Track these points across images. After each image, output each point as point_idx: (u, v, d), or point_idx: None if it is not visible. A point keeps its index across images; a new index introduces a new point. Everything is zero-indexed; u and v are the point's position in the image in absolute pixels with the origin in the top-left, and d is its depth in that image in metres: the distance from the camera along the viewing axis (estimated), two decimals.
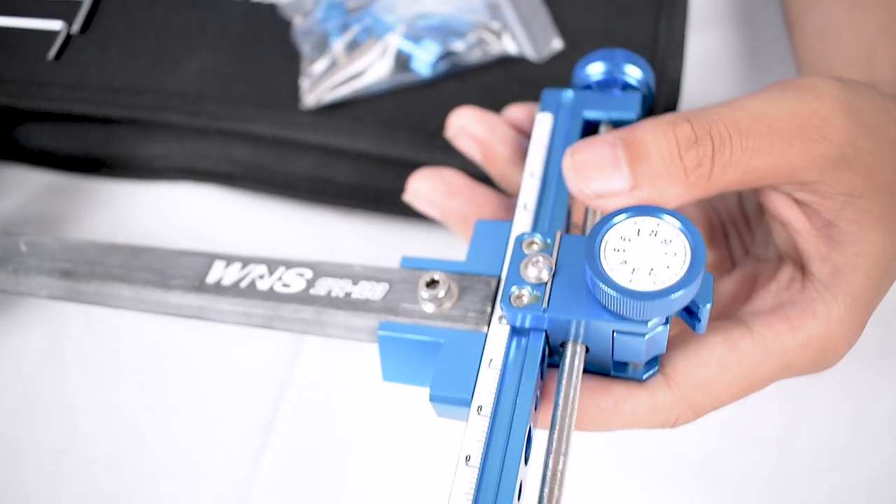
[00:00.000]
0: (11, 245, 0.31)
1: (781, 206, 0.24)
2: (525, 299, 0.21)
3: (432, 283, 0.22)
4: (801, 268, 0.24)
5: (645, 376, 0.22)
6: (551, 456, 0.19)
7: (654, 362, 0.23)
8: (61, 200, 0.39)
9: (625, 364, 0.23)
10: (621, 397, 0.22)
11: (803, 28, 0.35)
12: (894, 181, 0.23)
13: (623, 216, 0.20)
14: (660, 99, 0.34)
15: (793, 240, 0.24)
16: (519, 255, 0.22)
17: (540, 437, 0.21)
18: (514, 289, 0.21)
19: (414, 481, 0.30)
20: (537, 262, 0.21)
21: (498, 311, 0.22)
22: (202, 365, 0.32)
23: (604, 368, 0.23)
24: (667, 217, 0.20)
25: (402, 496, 0.30)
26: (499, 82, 0.35)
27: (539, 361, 0.21)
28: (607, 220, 0.20)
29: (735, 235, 0.29)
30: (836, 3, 0.33)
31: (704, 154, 0.22)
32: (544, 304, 0.21)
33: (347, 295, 0.24)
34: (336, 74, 0.35)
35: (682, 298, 0.19)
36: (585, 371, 0.23)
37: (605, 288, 0.19)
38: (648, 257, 0.19)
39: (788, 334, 0.23)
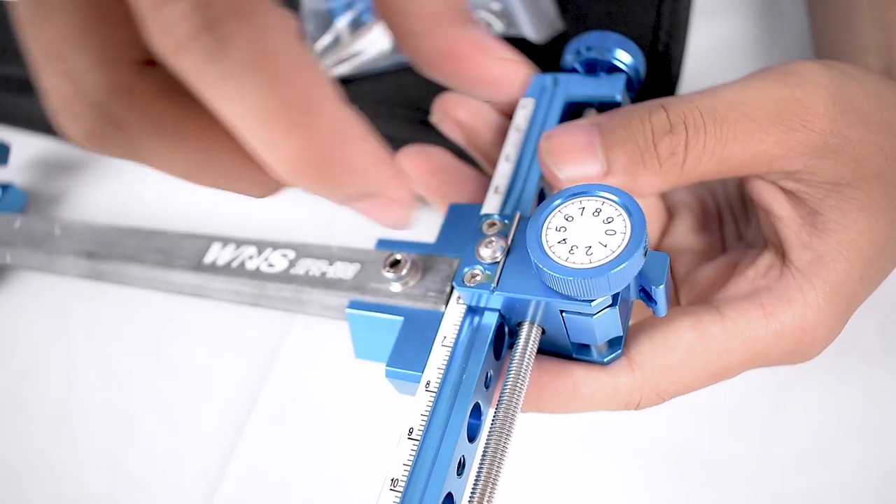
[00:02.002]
0: (48, 228, 0.34)
1: (765, 194, 0.23)
2: (478, 278, 0.21)
3: (395, 264, 0.23)
4: (783, 256, 0.23)
5: (607, 359, 0.22)
6: (493, 433, 0.20)
7: (618, 345, 0.22)
8: (82, 171, 0.42)
9: (587, 347, 0.22)
10: (581, 380, 0.22)
11: (824, 12, 0.33)
12: (886, 169, 0.22)
13: (567, 196, 0.20)
14: (659, 84, 0.33)
15: (775, 227, 0.24)
16: (478, 236, 0.22)
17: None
18: (467, 269, 0.21)
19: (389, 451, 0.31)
20: (491, 242, 0.21)
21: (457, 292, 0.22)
22: (198, 337, 0.35)
23: (566, 351, 0.22)
24: (610, 196, 0.19)
25: (378, 466, 0.31)
26: None
27: (490, 340, 0.21)
28: (552, 200, 0.20)
29: (731, 222, 0.29)
30: None
31: (678, 143, 0.21)
32: (494, 283, 0.21)
33: (323, 274, 0.25)
34: (338, 52, 0.36)
35: (618, 276, 0.18)
36: (549, 354, 0.23)
37: (540, 265, 0.19)
38: (588, 236, 0.19)
39: (761, 321, 0.22)
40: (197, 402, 0.33)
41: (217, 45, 0.13)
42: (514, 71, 0.21)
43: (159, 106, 0.15)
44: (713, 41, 0.39)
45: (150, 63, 0.15)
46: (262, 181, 0.17)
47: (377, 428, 0.31)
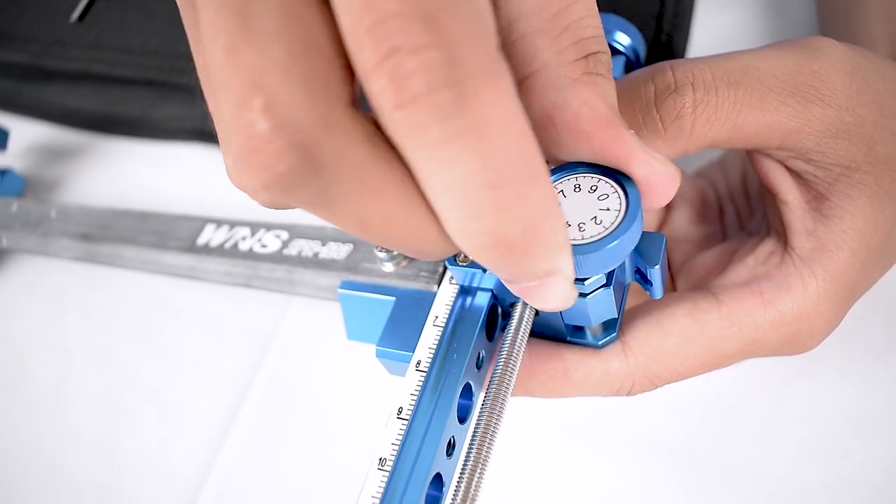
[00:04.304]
0: (44, 211, 0.34)
1: (774, 175, 0.23)
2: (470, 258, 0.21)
3: None
4: (784, 243, 0.23)
5: (602, 342, 0.22)
6: (483, 415, 0.19)
7: (613, 328, 0.22)
8: (80, 157, 0.42)
9: (581, 329, 0.22)
10: (572, 364, 0.22)
11: (832, 4, 0.33)
12: None
13: (561, 172, 0.19)
14: None
15: (780, 212, 0.23)
16: None
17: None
18: None
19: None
20: None
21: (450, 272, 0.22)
22: (193, 321, 0.34)
23: (560, 333, 0.22)
24: (602, 173, 0.19)
25: (373, 451, 0.31)
26: None
27: (481, 320, 0.21)
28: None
29: (732, 213, 0.28)
30: None
31: (683, 105, 0.20)
32: None
33: (315, 255, 0.25)
34: None
35: (612, 253, 0.18)
36: (543, 336, 0.22)
37: None
38: (582, 213, 0.19)
39: (759, 309, 0.22)
40: (191, 387, 0.33)
41: (456, 103, 0.12)
42: (671, 180, 0.18)
43: (366, 152, 0.13)
44: (719, 32, 0.38)
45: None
46: (436, 248, 0.15)
47: (372, 413, 0.31)
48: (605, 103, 0.16)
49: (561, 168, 0.19)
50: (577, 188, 0.19)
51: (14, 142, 0.42)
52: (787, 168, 0.22)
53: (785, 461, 0.28)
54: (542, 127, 0.17)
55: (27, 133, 0.43)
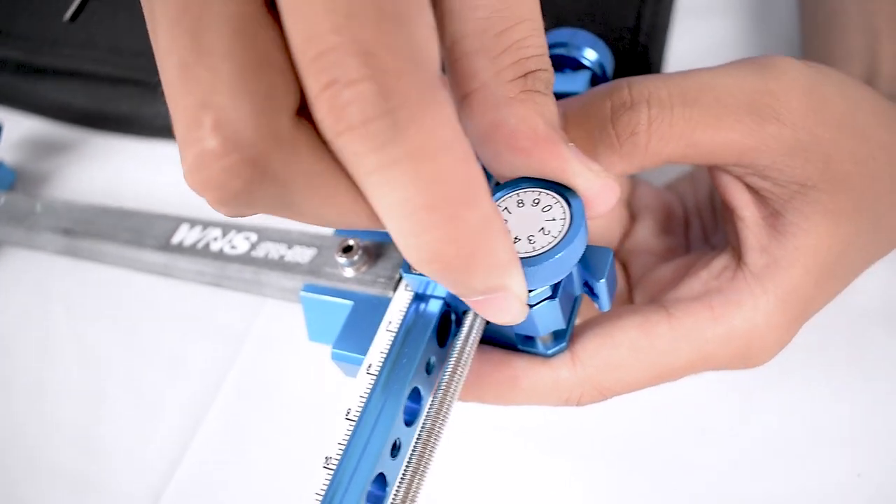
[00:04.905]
0: (30, 205, 0.35)
1: (732, 191, 0.23)
2: None
3: (347, 249, 0.23)
4: (739, 258, 0.23)
5: (551, 352, 0.22)
6: (429, 417, 0.20)
7: (563, 338, 0.22)
8: (70, 152, 0.43)
9: (532, 339, 0.23)
10: (521, 371, 0.22)
11: (814, 18, 0.33)
12: (854, 174, 0.22)
13: (502, 191, 0.20)
14: None
15: (736, 228, 0.23)
16: None
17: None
18: None
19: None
20: None
21: None
22: (171, 317, 0.35)
23: (511, 342, 0.23)
24: (545, 187, 0.19)
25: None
26: None
27: (432, 326, 0.21)
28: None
29: (698, 227, 0.29)
30: None
31: (638, 122, 0.20)
32: None
33: (281, 258, 0.26)
34: None
35: (557, 264, 0.18)
36: (496, 344, 0.23)
37: None
38: (530, 226, 0.19)
39: (708, 323, 0.22)
40: (166, 381, 0.34)
41: (388, 133, 0.13)
42: (610, 191, 0.19)
43: (315, 160, 0.14)
44: (698, 43, 0.38)
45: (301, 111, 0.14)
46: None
47: (335, 413, 0.32)
48: (541, 119, 0.17)
49: (504, 186, 0.20)
50: (521, 203, 0.20)
51: (6, 135, 0.43)
52: (746, 184, 0.23)
53: (746, 471, 0.28)
54: (483, 144, 0.17)
55: (20, 127, 0.44)
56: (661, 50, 0.35)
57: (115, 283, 0.36)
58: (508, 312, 0.16)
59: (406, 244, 0.14)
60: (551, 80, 0.18)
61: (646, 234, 0.28)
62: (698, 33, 0.39)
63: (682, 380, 0.29)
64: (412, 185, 0.13)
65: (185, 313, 0.35)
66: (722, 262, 0.24)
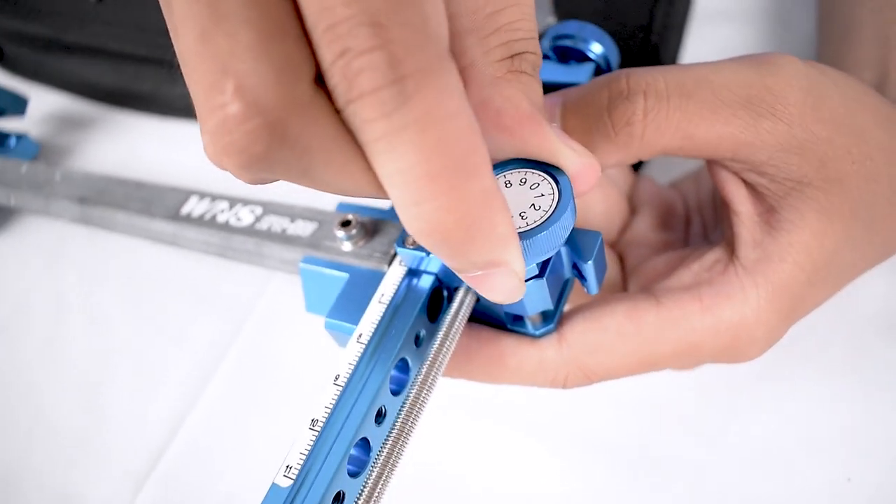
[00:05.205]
0: (50, 175, 0.36)
1: (729, 185, 0.23)
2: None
3: (345, 224, 0.24)
4: (732, 251, 0.23)
5: (539, 332, 0.23)
6: (414, 386, 0.21)
7: (551, 320, 0.23)
8: (92, 127, 0.45)
9: (521, 319, 0.23)
10: (509, 350, 0.23)
11: (829, 27, 0.33)
12: (851, 173, 0.22)
13: (495, 170, 0.20)
14: None
15: (731, 222, 0.24)
16: None
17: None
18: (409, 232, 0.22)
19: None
20: None
21: None
22: (179, 288, 0.36)
23: (501, 321, 0.23)
24: (530, 167, 0.20)
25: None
26: None
27: (423, 300, 0.22)
28: None
29: (699, 224, 0.29)
30: (864, 3, 0.31)
31: (633, 112, 0.21)
32: None
33: (283, 231, 0.26)
34: None
35: (550, 237, 0.19)
36: (484, 323, 0.24)
37: None
38: (521, 204, 0.19)
39: (697, 314, 0.22)
40: (171, 348, 0.35)
41: (396, 99, 0.13)
42: (591, 170, 0.19)
43: (332, 126, 0.14)
44: (714, 47, 0.39)
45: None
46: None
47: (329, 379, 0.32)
48: (526, 99, 0.17)
49: (494, 167, 0.20)
50: (509, 184, 0.20)
51: (33, 109, 0.44)
52: (743, 180, 0.23)
53: (731, 471, 0.28)
54: None
55: (46, 102, 0.46)
56: (674, 50, 0.35)
57: (126, 252, 0.37)
58: (505, 289, 0.16)
59: (407, 214, 0.14)
60: (538, 62, 0.18)
61: (644, 227, 0.29)
62: (715, 38, 0.39)
63: (674, 376, 0.29)
64: (416, 152, 0.13)
65: (193, 284, 0.36)
66: (715, 255, 0.24)
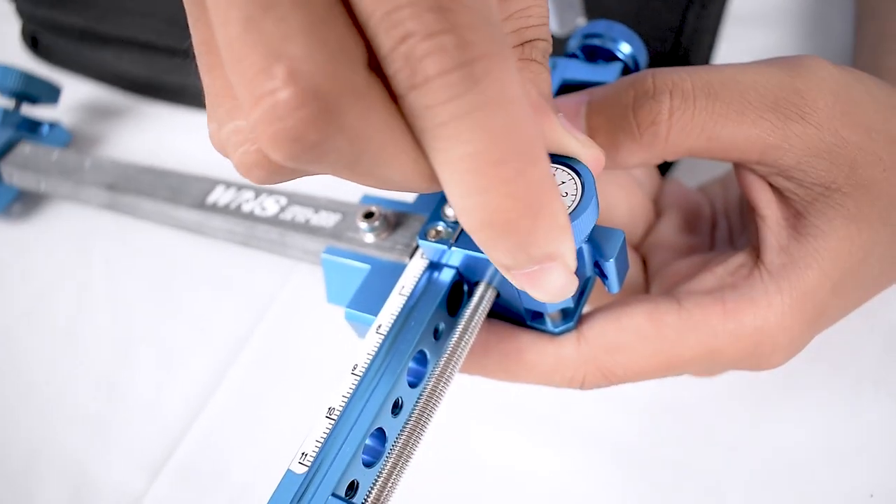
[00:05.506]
0: (80, 162, 0.37)
1: (755, 189, 0.23)
2: (440, 234, 0.22)
3: (369, 215, 0.24)
4: (757, 256, 0.23)
5: (558, 329, 0.23)
6: (431, 379, 0.21)
7: (571, 318, 0.23)
8: (123, 117, 0.45)
9: (541, 316, 0.23)
10: (526, 346, 0.22)
11: (864, 33, 0.33)
12: (881, 180, 0.21)
13: None
14: None
15: (757, 227, 0.23)
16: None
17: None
18: (431, 225, 0.22)
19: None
20: None
21: None
22: (202, 277, 0.37)
23: (521, 318, 0.23)
24: (557, 162, 0.20)
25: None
26: None
27: (443, 293, 0.22)
28: None
29: (725, 228, 0.28)
30: None
31: (659, 111, 0.20)
32: (452, 239, 0.22)
33: (307, 221, 0.26)
34: None
35: (578, 228, 0.18)
36: (504, 319, 0.24)
37: None
38: None
39: (719, 318, 0.22)
40: (192, 336, 0.35)
41: (465, 83, 0.13)
42: (596, 161, 0.19)
43: (387, 114, 0.14)
44: (748, 51, 0.38)
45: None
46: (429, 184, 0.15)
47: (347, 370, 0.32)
48: (535, 88, 0.17)
49: None
50: None
51: (66, 98, 0.45)
52: (770, 184, 0.22)
53: (750, 481, 0.27)
54: None
55: (79, 91, 0.47)
56: (705, 54, 0.35)
57: (152, 239, 0.38)
58: (558, 285, 0.15)
59: (469, 203, 0.14)
60: (548, 49, 0.18)
61: (669, 230, 0.28)
62: (750, 41, 0.39)
63: (696, 382, 0.29)
64: (485, 136, 0.13)
65: (217, 273, 0.37)
66: (739, 259, 0.24)
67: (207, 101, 0.15)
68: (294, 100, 0.13)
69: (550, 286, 0.15)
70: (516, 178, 0.13)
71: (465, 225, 0.14)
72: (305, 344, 0.34)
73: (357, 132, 0.13)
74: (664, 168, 0.34)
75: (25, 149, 0.39)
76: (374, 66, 0.14)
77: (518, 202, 0.14)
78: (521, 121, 0.13)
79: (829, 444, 0.28)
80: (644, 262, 0.28)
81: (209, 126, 0.15)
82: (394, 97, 0.14)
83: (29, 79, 0.41)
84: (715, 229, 0.29)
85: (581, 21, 0.36)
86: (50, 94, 0.43)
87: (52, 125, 0.44)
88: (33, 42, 0.48)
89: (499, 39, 0.13)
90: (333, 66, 0.13)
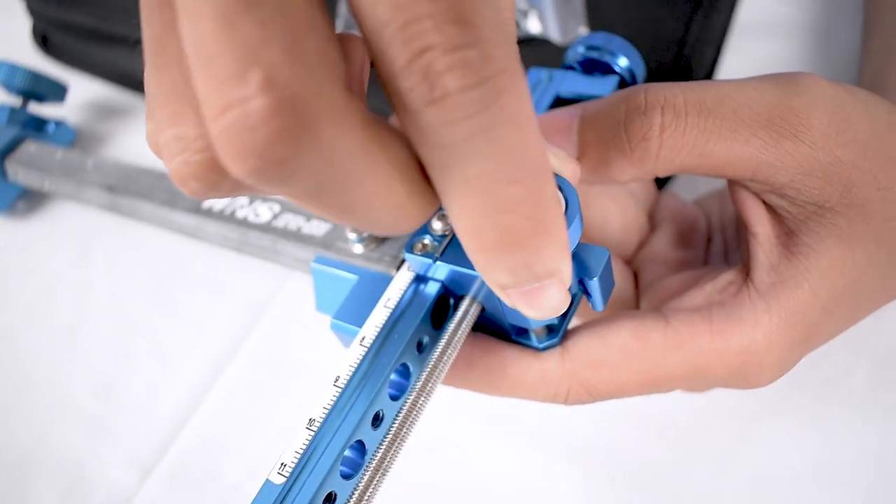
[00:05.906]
0: (83, 162, 0.37)
1: (748, 206, 0.23)
2: (426, 248, 0.22)
3: None
4: (747, 274, 0.23)
5: (543, 345, 0.23)
6: (412, 392, 0.21)
7: (555, 334, 0.23)
8: (129, 117, 0.46)
9: (526, 331, 0.23)
10: (510, 360, 0.22)
11: (870, 45, 0.33)
12: (875, 200, 0.21)
13: None
14: None
15: (748, 244, 0.23)
16: (436, 211, 0.23)
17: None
18: (417, 238, 0.22)
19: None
20: (444, 216, 0.22)
21: None
22: (200, 281, 0.37)
23: (506, 333, 0.23)
24: None
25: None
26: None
27: (427, 306, 0.22)
28: None
29: (720, 243, 0.28)
30: None
31: (650, 127, 0.20)
32: (437, 253, 0.22)
33: (299, 229, 0.27)
34: None
35: None
36: (490, 333, 0.24)
37: None
38: None
39: (705, 336, 0.22)
40: (188, 339, 0.35)
41: (486, 99, 0.12)
42: (573, 175, 0.19)
43: (366, 135, 0.13)
44: (753, 63, 0.38)
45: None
46: (407, 224, 0.15)
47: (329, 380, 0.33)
48: None
49: None
50: None
51: (72, 96, 0.46)
52: (763, 201, 0.22)
53: (735, 498, 0.27)
54: None
55: (86, 90, 0.47)
56: (708, 65, 0.35)
57: (152, 241, 0.38)
58: (554, 302, 0.15)
59: (479, 224, 0.13)
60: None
61: (662, 244, 0.28)
62: (756, 52, 0.38)
63: (687, 398, 0.29)
64: (500, 154, 0.13)
65: (214, 277, 0.37)
66: (728, 276, 0.23)
67: (148, 100, 0.14)
68: (267, 110, 0.11)
69: (547, 304, 0.15)
70: (529, 196, 0.13)
71: (471, 245, 0.14)
72: (298, 349, 0.34)
73: (332, 153, 0.12)
74: (661, 181, 0.34)
75: (31, 147, 0.39)
76: (354, 88, 0.13)
77: (529, 221, 0.13)
78: (535, 138, 0.13)
79: (822, 462, 0.28)
80: (635, 276, 0.28)
81: (147, 124, 0.14)
82: (372, 123, 0.13)
83: (36, 77, 0.42)
84: (710, 244, 0.29)
85: (583, 30, 0.36)
86: (57, 92, 0.44)
87: (58, 123, 0.44)
88: (43, 40, 0.48)
89: (515, 54, 0.13)
90: (314, 79, 0.12)
